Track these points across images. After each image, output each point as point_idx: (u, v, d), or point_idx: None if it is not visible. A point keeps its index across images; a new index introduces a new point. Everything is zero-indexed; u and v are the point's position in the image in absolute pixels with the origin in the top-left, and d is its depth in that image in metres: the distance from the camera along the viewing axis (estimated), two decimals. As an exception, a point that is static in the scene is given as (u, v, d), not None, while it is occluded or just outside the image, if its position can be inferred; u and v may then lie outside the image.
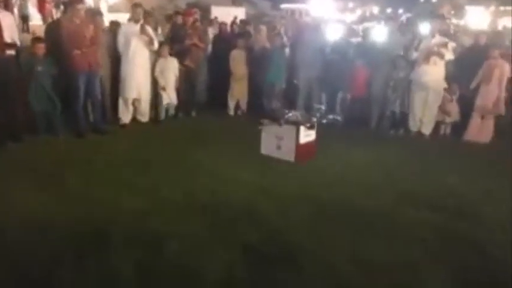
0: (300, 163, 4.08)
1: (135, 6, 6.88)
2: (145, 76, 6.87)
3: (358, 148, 6.14)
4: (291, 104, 7.72)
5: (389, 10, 33.98)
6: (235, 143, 6.00)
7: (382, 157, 5.89)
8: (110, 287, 2.90)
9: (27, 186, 4.36)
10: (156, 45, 6.81)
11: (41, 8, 14.83)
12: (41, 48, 5.94)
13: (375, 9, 37.35)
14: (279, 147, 4.29)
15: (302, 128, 4.09)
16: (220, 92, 8.15)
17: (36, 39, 6.31)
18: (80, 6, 6.11)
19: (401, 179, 5.03)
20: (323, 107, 4.81)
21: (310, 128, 4.18)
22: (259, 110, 7.86)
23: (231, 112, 8.11)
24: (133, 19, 6.74)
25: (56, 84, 6.05)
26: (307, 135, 4.29)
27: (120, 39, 6.66)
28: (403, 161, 5.76)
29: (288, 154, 4.16)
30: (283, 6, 23.43)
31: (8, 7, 7.51)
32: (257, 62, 7.90)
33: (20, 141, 5.73)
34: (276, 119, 4.21)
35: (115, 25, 7.16)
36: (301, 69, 7.51)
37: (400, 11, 29.03)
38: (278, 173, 4.87)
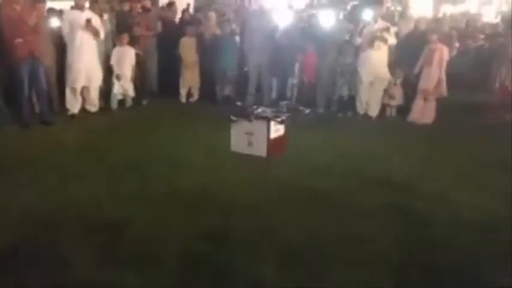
0: (271, 158, 4.14)
1: None
2: (95, 64, 6.71)
3: (308, 131, 6.31)
4: (243, 90, 7.83)
5: (336, -3, 34.34)
6: (189, 130, 6.04)
7: (331, 139, 6.07)
8: (69, 273, 2.87)
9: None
10: (102, 35, 6.65)
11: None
12: None
13: (323, -3, 37.64)
14: (250, 144, 4.30)
15: (272, 123, 4.14)
16: (171, 80, 8.08)
17: None
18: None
19: (350, 159, 5.23)
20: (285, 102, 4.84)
21: (281, 122, 4.24)
22: (211, 96, 7.95)
23: (183, 99, 8.08)
24: (77, 6, 6.53)
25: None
26: (276, 130, 4.36)
27: (65, 27, 6.47)
28: (350, 142, 5.98)
29: (259, 150, 4.19)
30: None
31: None
32: (208, 49, 7.91)
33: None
34: (245, 115, 4.23)
35: (54, 12, 6.91)
36: (250, 55, 7.58)
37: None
38: (229, 157, 5.01)
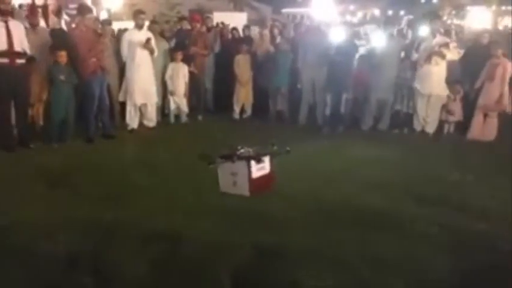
0: (255, 196, 4.28)
1: (136, 13, 7.04)
2: (152, 81, 7.00)
3: (363, 148, 6.26)
4: (296, 107, 7.87)
5: (390, 12, 34.04)
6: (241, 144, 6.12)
7: (386, 155, 5.97)
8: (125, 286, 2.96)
9: (39, 190, 4.46)
10: (156, 53, 6.93)
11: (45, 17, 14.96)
12: (63, 56, 5.97)
13: (376, 12, 37.37)
14: (234, 183, 4.29)
15: (253, 163, 4.31)
16: (225, 96, 8.29)
17: (56, 48, 6.21)
18: (90, 15, 6.30)
19: (406, 176, 5.10)
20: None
21: (258, 162, 4.38)
22: (264, 112, 8.05)
23: (237, 116, 8.23)
24: (136, 26, 6.87)
25: (74, 93, 6.14)
26: (260, 169, 4.49)
27: (124, 45, 6.78)
28: (406, 159, 5.84)
29: (243, 189, 4.21)
30: (285, 10, 23.58)
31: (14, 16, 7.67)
32: (261, 66, 8.05)
33: (29, 148, 5.85)
34: (228, 156, 4.42)
35: (123, 33, 7.31)
36: (304, 71, 7.62)
37: (402, 12, 29.10)
38: (282, 172, 5.03)
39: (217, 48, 8.58)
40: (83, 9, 6.53)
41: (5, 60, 5.56)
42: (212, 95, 8.63)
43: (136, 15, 6.91)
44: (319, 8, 14.14)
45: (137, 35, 6.76)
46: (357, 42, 8.48)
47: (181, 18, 9.22)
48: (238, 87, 8.10)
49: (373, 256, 3.31)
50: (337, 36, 7.41)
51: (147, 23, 7.39)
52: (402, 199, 4.42)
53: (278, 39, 8.58)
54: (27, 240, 3.43)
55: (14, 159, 5.50)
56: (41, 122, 6.46)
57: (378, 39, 7.55)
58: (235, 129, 7.29)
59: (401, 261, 3.26)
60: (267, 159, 4.48)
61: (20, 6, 12.46)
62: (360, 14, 37.34)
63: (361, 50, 7.76)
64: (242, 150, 4.40)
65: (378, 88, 7.28)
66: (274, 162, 4.17)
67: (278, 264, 3.19)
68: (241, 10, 15.45)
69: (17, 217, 3.80)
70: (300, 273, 3.07)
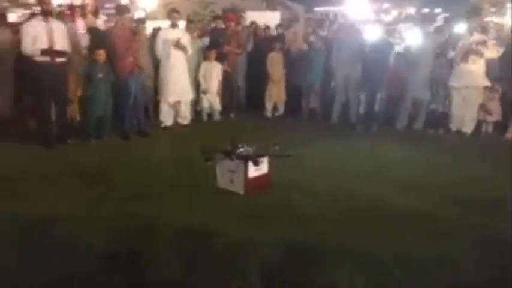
0: (249, 195, 4.37)
1: (171, 11, 7.16)
2: (186, 79, 7.08)
3: (396, 148, 6.18)
4: (329, 105, 7.83)
5: (426, 10, 33.24)
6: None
7: (419, 155, 5.88)
8: (161, 281, 3.01)
9: (76, 185, 4.59)
10: (189, 52, 7.00)
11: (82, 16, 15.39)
12: (101, 55, 6.14)
13: (411, 10, 36.57)
14: (231, 181, 4.54)
15: (250, 163, 4.36)
16: (258, 94, 8.32)
17: (94, 47, 6.42)
18: (127, 15, 6.45)
19: (440, 177, 5.00)
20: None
21: (255, 164, 4.43)
22: (296, 111, 8.05)
23: (269, 114, 8.24)
24: (171, 25, 6.97)
25: (112, 91, 6.30)
26: (257, 169, 4.54)
27: (158, 44, 6.89)
28: (440, 159, 5.73)
29: (238, 187, 4.47)
30: (317, 9, 23.42)
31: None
32: (294, 64, 8.05)
33: (67, 144, 6.04)
34: (228, 154, 4.49)
35: (157, 31, 7.44)
36: (338, 69, 7.56)
37: (438, 10, 28.38)
38: (312, 171, 5.07)
39: (250, 46, 8.63)
40: (121, 9, 6.69)
41: (46, 59, 5.74)
42: (245, 93, 8.68)
43: (171, 14, 7.02)
44: (353, 6, 13.99)
45: (171, 34, 6.85)
46: (392, 40, 8.36)
47: (216, 17, 9.32)
48: (271, 85, 8.11)
49: (406, 256, 3.27)
50: (371, 34, 7.32)
51: (181, 22, 7.50)
52: (436, 200, 4.33)
53: (312, 37, 8.54)
54: (64, 235, 3.53)
55: (53, 155, 5.66)
56: (78, 119, 6.63)
57: (414, 37, 7.41)
58: (267, 128, 7.31)
59: (434, 262, 3.21)
60: (265, 160, 4.62)
61: (60, 6, 12.89)
62: (394, 13, 36.64)
63: (397, 48, 7.65)
64: (242, 149, 4.53)
65: (413, 86, 7.15)
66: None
67: (311, 263, 3.18)
68: (274, 9, 15.42)
69: (55, 212, 3.91)
70: (332, 272, 3.06)
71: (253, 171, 4.46)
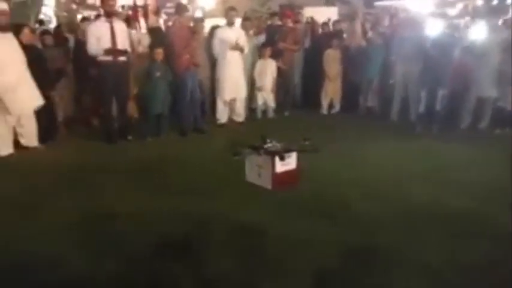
0: (277, 190, 4.41)
1: (228, 9, 7.21)
2: (241, 77, 7.14)
3: (457, 146, 5.92)
4: (387, 103, 7.60)
5: (495, 2, 31.33)
6: (329, 141, 6.07)
7: (482, 156, 5.59)
8: (215, 276, 3.03)
9: (135, 181, 4.73)
10: (246, 50, 7.05)
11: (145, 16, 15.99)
12: (159, 54, 6.31)
13: (479, 2, 34.63)
14: (259, 175, 4.63)
15: (277, 158, 4.46)
16: (314, 91, 8.23)
17: (154, 46, 6.61)
18: (186, 14, 6.60)
19: (501, 180, 4.67)
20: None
21: (281, 159, 4.46)
22: (354, 108, 7.88)
23: (325, 111, 8.14)
24: (228, 24, 7.03)
25: (170, 89, 6.46)
26: (285, 164, 4.57)
27: (215, 42, 6.98)
28: (505, 161, 5.37)
29: (266, 182, 4.56)
30: (377, 3, 22.76)
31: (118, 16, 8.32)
32: (352, 60, 7.88)
33: (127, 140, 6.27)
34: (256, 148, 4.61)
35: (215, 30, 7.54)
36: (398, 65, 7.31)
37: (509, 1, 26.64)
38: (372, 166, 4.98)
39: (307, 43, 8.55)
40: (180, 8, 6.84)
41: (109, 58, 5.98)
42: (301, 90, 8.62)
43: (228, 12, 7.08)
44: (415, 0, 13.48)
45: (228, 33, 6.92)
46: (456, 35, 7.95)
47: (273, 14, 9.30)
48: (327, 82, 8.01)
49: (462, 262, 3.12)
50: (433, 28, 7.00)
51: (238, 20, 7.55)
52: (496, 204, 4.09)
53: (370, 33, 8.33)
54: (123, 229, 3.66)
55: (114, 151, 5.90)
56: (135, 116, 6.85)
57: (480, 31, 7.01)
58: (322, 125, 7.21)
59: (492, 269, 3.04)
60: (293, 155, 4.62)
61: (123, 7, 13.42)
62: (460, 5, 34.82)
63: (462, 43, 7.25)
64: (270, 145, 4.57)
65: (478, 83, 6.78)
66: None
67: (364, 265, 3.11)
68: (332, 4, 15.20)
69: (115, 207, 4.06)
70: (385, 275, 2.98)
71: (280, 166, 4.52)
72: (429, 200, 4.20)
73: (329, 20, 9.62)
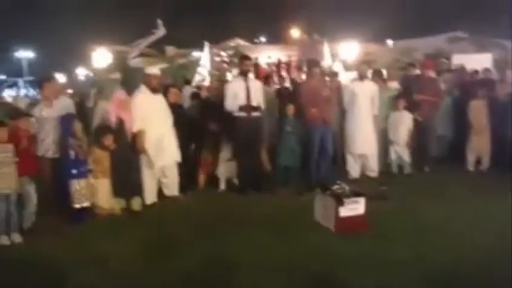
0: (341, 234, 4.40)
1: (359, 63, 7.21)
2: (371, 131, 6.97)
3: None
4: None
5: None
6: (467, 201, 5.51)
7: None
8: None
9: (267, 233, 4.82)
10: (376, 103, 6.92)
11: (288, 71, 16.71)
12: (291, 109, 6.58)
13: None
14: (324, 216, 4.71)
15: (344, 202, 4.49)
16: (461, 145, 7.58)
17: (284, 102, 6.93)
18: (316, 68, 6.78)
19: None
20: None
21: (340, 203, 4.48)
22: (504, 166, 6.98)
23: (471, 167, 7.39)
24: (360, 77, 7.02)
25: (300, 143, 6.59)
26: (352, 209, 4.50)
27: (346, 95, 7.00)
28: None
29: (329, 224, 4.63)
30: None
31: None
32: (501, 111, 7.10)
33: (261, 191, 6.39)
34: (324, 189, 4.72)
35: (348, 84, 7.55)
36: None
37: None
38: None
39: (455, 93, 8.03)
40: (311, 64, 7.09)
41: (244, 114, 6.36)
42: (445, 143, 8.01)
43: (359, 66, 7.09)
44: None
45: (358, 86, 6.92)
46: None
47: (410, 64, 8.95)
48: (473, 135, 7.34)
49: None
50: None
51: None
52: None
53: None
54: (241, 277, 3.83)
55: (248, 202, 6.03)
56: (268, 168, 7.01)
57: None
58: (464, 183, 6.55)
59: None
60: (362, 201, 4.51)
61: (268, 64, 14.31)
62: None
63: None
64: (337, 186, 4.55)
65: None
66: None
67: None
68: (486, 51, 14.08)
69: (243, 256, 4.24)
70: None
71: (345, 211, 4.48)
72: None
73: (476, 71, 8.98)
